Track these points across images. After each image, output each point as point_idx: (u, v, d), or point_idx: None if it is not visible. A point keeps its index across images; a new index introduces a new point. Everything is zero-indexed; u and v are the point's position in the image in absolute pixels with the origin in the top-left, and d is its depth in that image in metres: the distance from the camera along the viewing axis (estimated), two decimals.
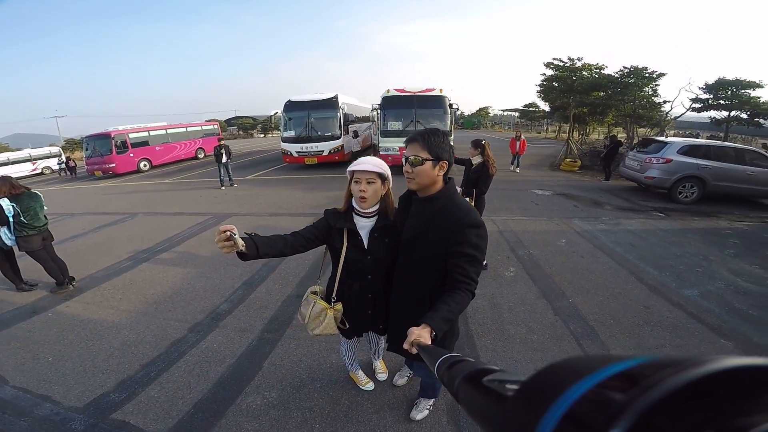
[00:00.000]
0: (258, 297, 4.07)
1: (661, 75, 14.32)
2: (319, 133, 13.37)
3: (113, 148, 15.86)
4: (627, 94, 15.16)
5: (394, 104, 11.64)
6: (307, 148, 13.34)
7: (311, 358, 3.00)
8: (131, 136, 16.89)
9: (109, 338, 3.44)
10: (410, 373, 2.69)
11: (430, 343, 1.24)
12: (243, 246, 1.46)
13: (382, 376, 2.72)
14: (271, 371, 2.87)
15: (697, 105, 15.79)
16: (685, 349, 3.05)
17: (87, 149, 16.66)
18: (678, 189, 8.13)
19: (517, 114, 46.01)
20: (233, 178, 11.39)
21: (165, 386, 2.76)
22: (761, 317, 3.50)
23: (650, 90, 14.95)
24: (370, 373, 2.74)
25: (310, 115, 13.37)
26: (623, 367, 0.25)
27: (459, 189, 3.41)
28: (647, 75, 14.42)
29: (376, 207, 1.85)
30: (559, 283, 4.20)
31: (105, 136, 16.11)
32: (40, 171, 21.69)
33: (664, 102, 15.56)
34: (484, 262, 3.28)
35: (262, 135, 51.44)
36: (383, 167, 1.77)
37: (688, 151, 8.15)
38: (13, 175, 4.87)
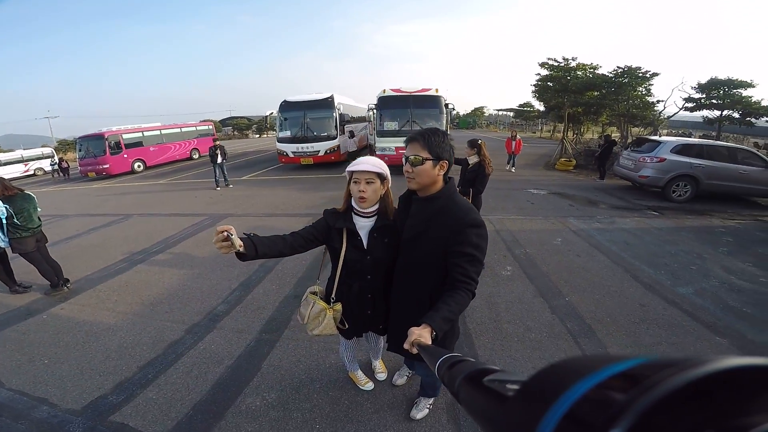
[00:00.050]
0: (255, 298, 4.06)
1: (654, 75, 14.45)
2: (315, 134, 13.33)
3: (107, 148, 15.71)
4: (621, 94, 15.26)
5: (390, 104, 11.65)
6: (302, 148, 13.30)
7: (310, 359, 3.00)
8: (125, 136, 16.74)
9: (106, 340, 3.41)
10: (410, 373, 2.69)
11: (430, 343, 1.24)
12: (240, 246, 1.45)
13: (382, 375, 2.73)
14: (269, 372, 2.87)
15: (690, 104, 15.94)
16: (681, 347, 3.09)
17: (80, 150, 16.48)
18: (672, 188, 8.21)
19: (512, 114, 46.17)
20: (229, 178, 11.34)
21: (163, 388, 2.74)
22: (755, 315, 3.55)
23: (644, 90, 15.07)
24: (370, 373, 2.75)
25: (305, 115, 13.33)
26: (623, 367, 0.25)
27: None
28: (641, 75, 14.53)
29: (376, 207, 1.85)
30: (555, 282, 4.22)
31: (98, 137, 15.95)
32: (32, 172, 21.45)
33: (658, 101, 15.71)
34: None
35: (258, 135, 51.22)
36: (382, 167, 1.77)
37: (682, 150, 8.24)
38: (5, 177, 4.81)
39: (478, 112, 67.01)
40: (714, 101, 15.28)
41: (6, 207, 4.01)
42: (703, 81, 15.30)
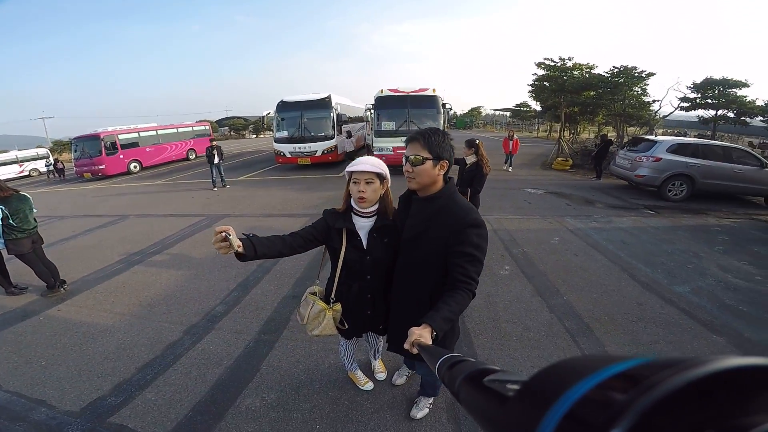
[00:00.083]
0: (254, 298, 4.05)
1: (650, 74, 14.51)
2: (312, 134, 13.31)
3: (102, 149, 15.61)
4: (617, 94, 15.32)
5: (387, 104, 11.66)
6: (300, 148, 13.28)
7: (309, 359, 3.00)
8: (121, 137, 16.65)
9: (104, 341, 3.40)
10: (409, 372, 2.70)
11: (430, 343, 1.24)
12: (239, 247, 1.45)
13: (381, 375, 2.73)
14: (269, 373, 2.86)
15: (686, 104, 16.05)
16: (679, 345, 3.11)
17: (75, 151, 16.37)
18: (668, 187, 8.26)
19: (508, 114, 46.28)
20: (225, 179, 11.31)
21: (162, 389, 2.73)
22: (751, 313, 3.58)
23: (639, 89, 15.15)
24: (369, 372, 2.75)
25: (303, 115, 13.30)
26: (624, 368, 0.25)
27: None
28: (636, 75, 14.59)
29: (375, 207, 1.85)
30: (553, 281, 4.24)
31: (94, 138, 15.85)
32: (27, 173, 21.32)
33: (653, 101, 15.80)
34: None
35: (254, 136, 51.11)
36: (382, 167, 1.77)
37: (677, 149, 8.29)
38: (0, 178, 4.79)
39: (475, 112, 67.12)
40: (709, 101, 15.39)
41: (1, 208, 3.98)
42: (699, 81, 15.41)
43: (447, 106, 11.49)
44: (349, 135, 14.87)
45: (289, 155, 13.47)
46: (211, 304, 3.98)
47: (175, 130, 20.48)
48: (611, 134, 15.69)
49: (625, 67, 14.69)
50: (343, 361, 2.62)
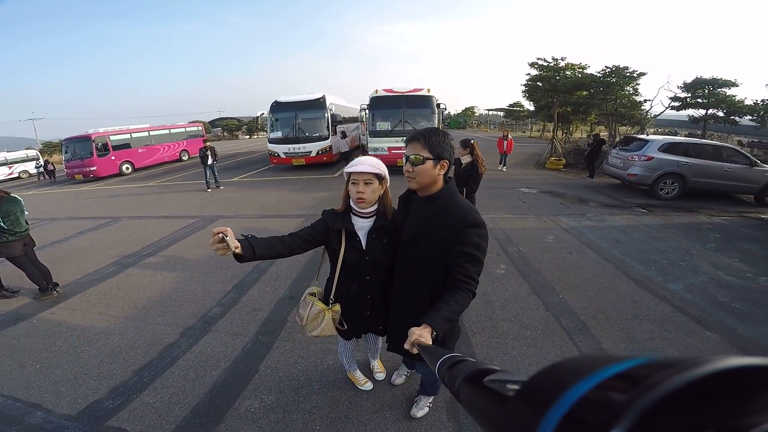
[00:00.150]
0: (250, 300, 4.03)
1: (642, 74, 14.67)
2: (307, 134, 13.27)
3: (94, 150, 15.43)
4: (609, 94, 15.46)
5: (382, 104, 11.67)
6: (294, 149, 13.23)
7: (308, 360, 2.99)
8: (112, 138, 16.48)
9: (99, 344, 3.36)
10: (408, 372, 2.70)
11: (430, 342, 1.24)
12: (236, 248, 1.45)
13: (380, 375, 2.73)
14: (267, 374, 2.85)
15: (676, 103, 16.24)
16: (674, 342, 3.15)
17: (66, 152, 16.16)
18: (659, 185, 8.36)
19: (502, 114, 46.52)
20: (219, 180, 11.24)
21: (160, 392, 2.71)
22: (743, 309, 3.63)
23: (631, 89, 15.31)
24: (368, 373, 2.75)
25: (297, 115, 13.26)
26: (624, 368, 0.25)
27: None
28: (628, 74, 14.75)
29: (374, 207, 1.85)
30: (549, 280, 4.27)
31: (85, 139, 15.67)
32: (16, 175, 21.03)
33: (645, 101, 15.96)
34: None
35: (248, 136, 50.86)
36: (381, 167, 1.77)
37: (669, 148, 8.40)
38: None
39: (468, 111, 67.38)
40: (699, 100, 15.58)
41: None
42: (689, 80, 15.61)
43: (441, 106, 11.54)
44: (344, 135, 14.85)
45: (283, 156, 13.42)
46: (207, 305, 3.96)
47: (167, 131, 20.31)
48: (603, 134, 15.84)
49: (617, 67, 14.84)
50: (342, 362, 2.62)
